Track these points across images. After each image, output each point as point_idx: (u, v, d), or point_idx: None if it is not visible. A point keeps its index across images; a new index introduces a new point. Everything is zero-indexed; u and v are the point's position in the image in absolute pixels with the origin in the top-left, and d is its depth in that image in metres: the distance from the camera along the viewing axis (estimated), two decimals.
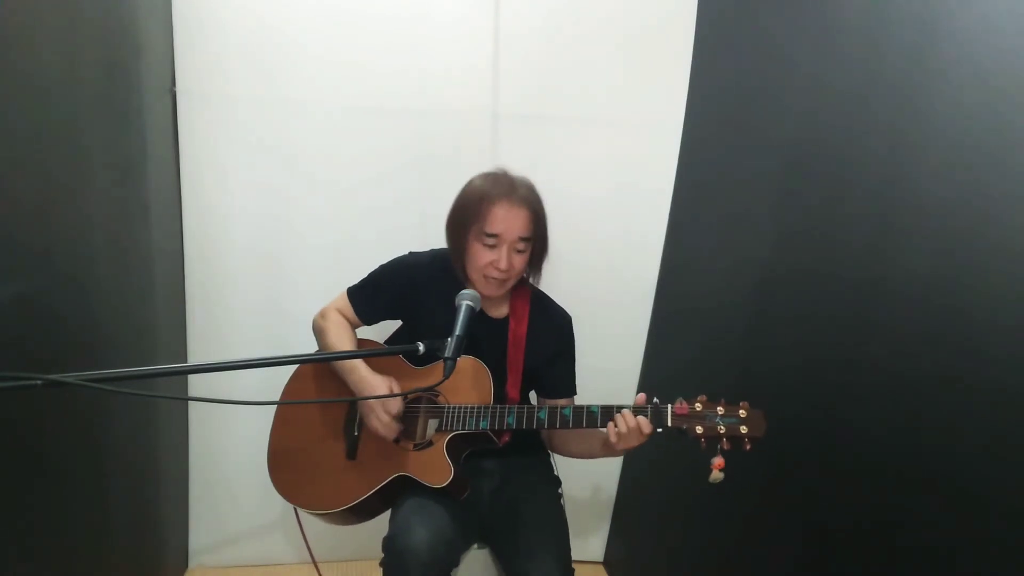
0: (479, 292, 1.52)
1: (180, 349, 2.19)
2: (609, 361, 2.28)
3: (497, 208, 1.57)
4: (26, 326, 1.35)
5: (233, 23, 2.03)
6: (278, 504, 1.72)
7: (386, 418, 1.59)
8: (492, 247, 1.59)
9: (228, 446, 2.27)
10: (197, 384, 2.21)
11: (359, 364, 1.65)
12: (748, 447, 1.41)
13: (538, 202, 1.64)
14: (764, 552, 1.69)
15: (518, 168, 1.69)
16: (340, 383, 1.69)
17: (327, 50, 2.09)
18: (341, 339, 1.72)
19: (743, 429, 1.41)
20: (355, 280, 1.80)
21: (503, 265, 1.59)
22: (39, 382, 0.83)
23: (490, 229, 1.58)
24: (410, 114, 2.15)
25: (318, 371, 1.78)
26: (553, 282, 1.81)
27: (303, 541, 1.85)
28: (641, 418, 1.45)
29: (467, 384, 1.64)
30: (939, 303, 1.22)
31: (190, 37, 2.02)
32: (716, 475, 1.38)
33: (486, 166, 1.70)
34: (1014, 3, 1.12)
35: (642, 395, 1.50)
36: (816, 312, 1.56)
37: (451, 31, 2.13)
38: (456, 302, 1.44)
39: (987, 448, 1.12)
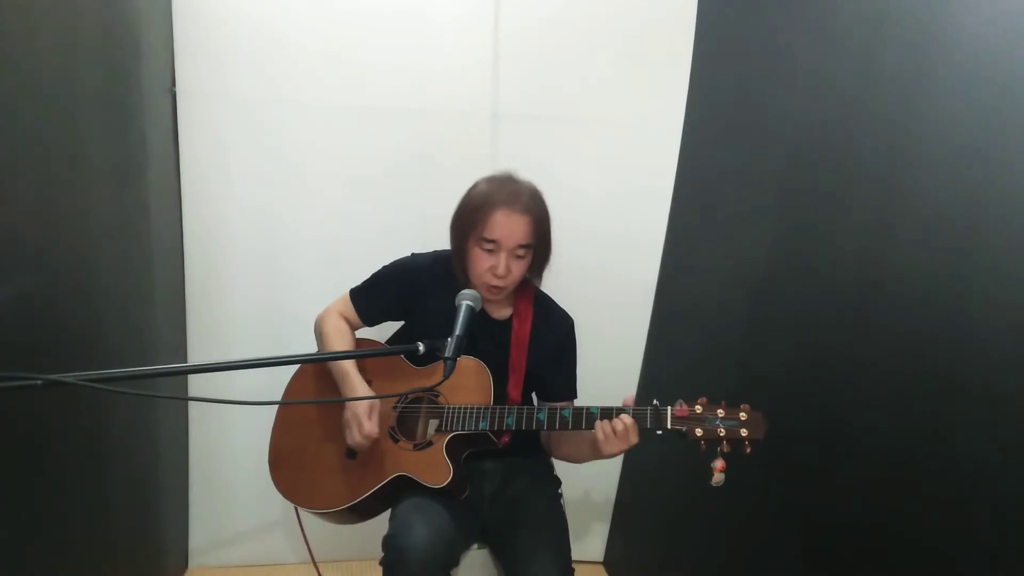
0: (480, 295, 1.52)
1: (180, 349, 2.19)
2: (609, 361, 2.26)
3: (497, 214, 1.57)
4: (26, 326, 1.35)
5: (233, 23, 2.03)
6: (278, 504, 1.72)
7: (359, 438, 1.59)
8: (491, 252, 1.60)
9: (228, 446, 2.27)
10: (197, 384, 2.21)
11: (351, 372, 1.66)
12: (748, 450, 1.41)
13: (541, 209, 1.63)
14: (764, 553, 1.69)
15: (517, 168, 1.68)
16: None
17: (327, 50, 2.09)
18: (339, 347, 1.72)
19: (743, 432, 1.40)
20: (355, 281, 1.80)
21: (501, 271, 1.59)
22: (39, 382, 0.83)
23: (489, 235, 1.58)
24: (410, 114, 2.15)
25: (320, 371, 1.78)
26: (553, 282, 1.81)
27: (303, 541, 1.86)
28: (628, 418, 1.46)
29: (468, 384, 1.63)
30: (939, 303, 1.22)
31: (190, 37, 2.02)
32: (718, 477, 1.38)
33: (486, 166, 1.70)
34: (1014, 3, 1.13)
35: (630, 395, 1.51)
36: (816, 312, 1.56)
37: (451, 30, 2.13)
38: (456, 302, 1.44)
39: (987, 448, 1.11)
